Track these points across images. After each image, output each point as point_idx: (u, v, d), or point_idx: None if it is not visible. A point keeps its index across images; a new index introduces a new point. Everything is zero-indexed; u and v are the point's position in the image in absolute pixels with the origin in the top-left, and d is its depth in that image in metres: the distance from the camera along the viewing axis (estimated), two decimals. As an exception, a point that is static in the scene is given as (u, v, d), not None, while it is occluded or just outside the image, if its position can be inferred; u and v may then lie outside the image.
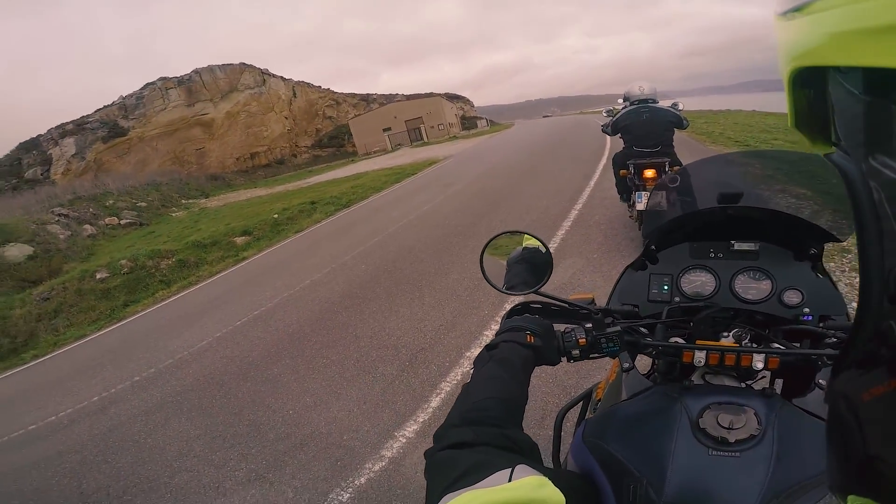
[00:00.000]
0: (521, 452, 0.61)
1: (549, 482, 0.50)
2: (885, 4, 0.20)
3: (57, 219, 15.61)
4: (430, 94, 65.90)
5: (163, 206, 20.73)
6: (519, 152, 15.95)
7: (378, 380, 3.81)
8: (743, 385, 0.92)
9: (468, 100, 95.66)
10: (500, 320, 3.96)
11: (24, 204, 18.19)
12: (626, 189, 5.07)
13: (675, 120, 4.70)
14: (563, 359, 0.93)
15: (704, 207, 1.16)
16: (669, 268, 1.17)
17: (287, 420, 3.54)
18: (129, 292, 9.15)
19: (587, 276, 4.74)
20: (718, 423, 0.72)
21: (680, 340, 0.97)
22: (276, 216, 12.48)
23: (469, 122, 69.18)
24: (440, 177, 14.37)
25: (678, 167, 4.16)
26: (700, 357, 0.89)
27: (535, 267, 1.04)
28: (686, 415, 0.77)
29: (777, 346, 0.93)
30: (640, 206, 4.41)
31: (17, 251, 11.85)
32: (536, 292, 0.98)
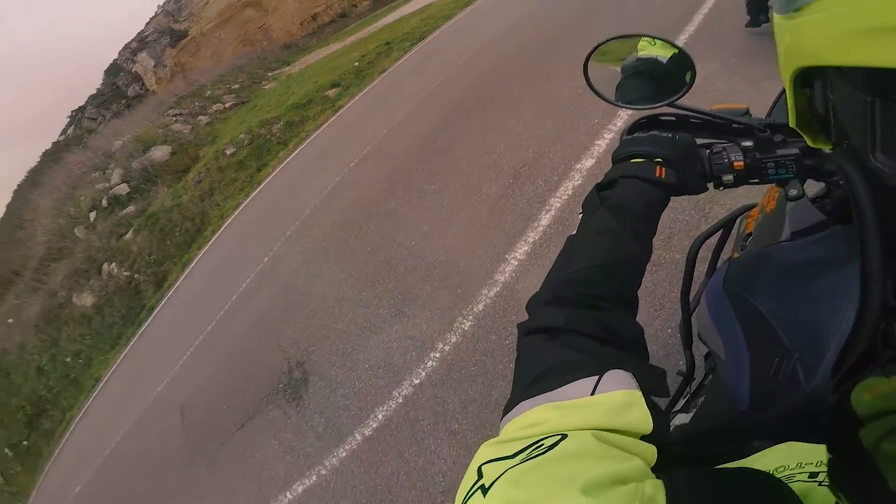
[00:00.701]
0: (621, 346, 0.50)
1: (641, 399, 0.42)
2: (884, 5, 0.20)
3: (174, 119, 17.11)
4: None
5: (253, 84, 21.21)
6: None
7: (485, 200, 3.84)
8: None
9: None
10: (617, 133, 3.32)
11: (142, 116, 20.16)
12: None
13: None
14: (709, 185, 0.70)
15: None
16: None
17: (411, 252, 3.89)
18: (257, 158, 10.18)
19: (723, 80, 3.55)
20: None
21: None
22: (356, 64, 12.31)
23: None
24: None
25: None
26: None
27: (662, 77, 0.76)
28: None
29: None
30: None
31: (160, 153, 13.51)
32: (672, 104, 0.71)
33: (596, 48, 0.77)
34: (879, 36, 0.21)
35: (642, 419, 0.40)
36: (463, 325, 3.01)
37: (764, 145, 0.67)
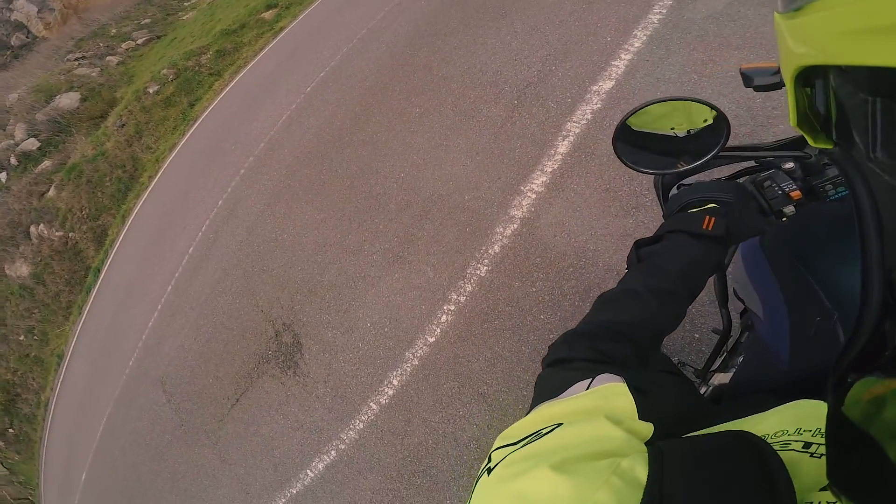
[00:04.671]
0: (614, 363, 0.54)
1: (625, 387, 0.46)
2: (885, 4, 0.20)
3: (77, 63, 15.40)
4: None
5: (168, 16, 19.15)
6: None
7: (486, 124, 3.31)
8: None
9: None
10: (635, 55, 2.73)
11: (36, 65, 18.16)
12: None
13: None
14: (771, 218, 0.66)
15: None
16: None
17: (402, 185, 3.34)
18: (187, 93, 8.86)
19: (751, 7, 3.14)
20: None
21: None
22: None
23: None
24: None
25: None
26: None
27: (694, 137, 0.69)
28: None
29: None
30: None
31: (68, 100, 12.04)
32: (717, 156, 0.65)
33: (626, 119, 0.71)
34: (881, 35, 0.20)
35: (628, 404, 0.44)
36: (478, 271, 2.59)
37: (810, 166, 0.66)
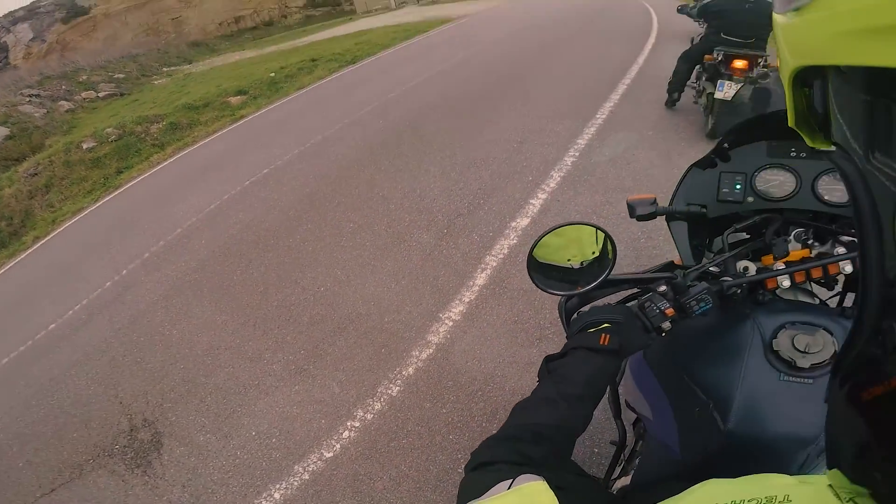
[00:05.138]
0: (533, 464, 0.59)
1: (545, 485, 0.49)
2: (885, 4, 0.20)
3: (28, 99, 14.88)
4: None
5: (143, 76, 19.75)
6: (555, 20, 13.08)
7: (415, 249, 3.37)
8: (817, 301, 0.89)
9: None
10: (549, 194, 3.32)
11: None
12: (681, 85, 4.64)
13: None
14: (653, 334, 0.78)
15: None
16: (743, 166, 1.06)
17: (320, 299, 3.19)
18: (120, 159, 8.41)
19: (642, 151, 3.98)
20: (794, 345, 0.68)
21: (750, 267, 0.89)
22: (272, 75, 11.55)
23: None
24: (458, 36, 12.46)
25: (773, 66, 3.85)
26: (785, 281, 0.82)
27: (592, 260, 0.86)
28: (759, 334, 0.71)
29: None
30: (720, 95, 3.86)
31: None
32: (607, 281, 0.82)
33: (536, 243, 0.83)
34: (881, 35, 0.20)
35: (550, 501, 0.46)
36: (390, 391, 2.43)
37: (678, 286, 0.79)
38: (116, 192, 7.09)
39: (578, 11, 11.79)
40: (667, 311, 0.77)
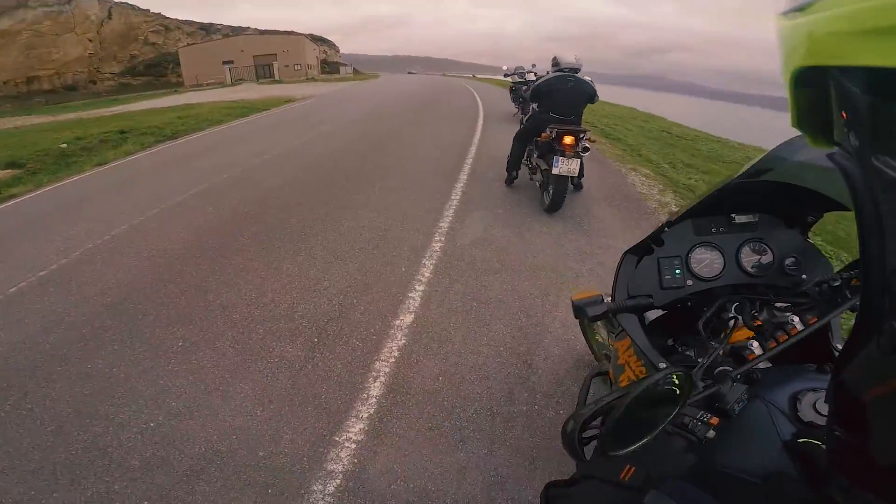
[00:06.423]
0: None
1: None
2: (886, 5, 0.20)
3: None
4: (291, 33, 64.79)
5: None
6: (396, 104, 14.48)
7: (281, 366, 2.84)
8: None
9: (334, 44, 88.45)
10: (426, 284, 3.71)
11: None
12: (517, 164, 5.28)
13: (592, 93, 4.81)
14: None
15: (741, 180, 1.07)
16: (675, 248, 1.13)
17: (153, 437, 2.32)
18: None
19: (498, 229, 4.60)
20: (816, 409, 0.68)
21: (752, 346, 0.97)
22: (64, 145, 9.60)
23: (331, 67, 69.12)
24: (305, 115, 12.55)
25: (592, 139, 4.54)
26: (757, 351, 0.92)
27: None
28: (776, 409, 0.70)
29: (803, 313, 0.99)
30: (557, 171, 4.42)
31: None
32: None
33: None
34: (881, 36, 0.21)
35: None
36: None
37: (718, 396, 0.77)
38: None
39: (413, 96, 13.22)
40: (711, 421, 0.72)
